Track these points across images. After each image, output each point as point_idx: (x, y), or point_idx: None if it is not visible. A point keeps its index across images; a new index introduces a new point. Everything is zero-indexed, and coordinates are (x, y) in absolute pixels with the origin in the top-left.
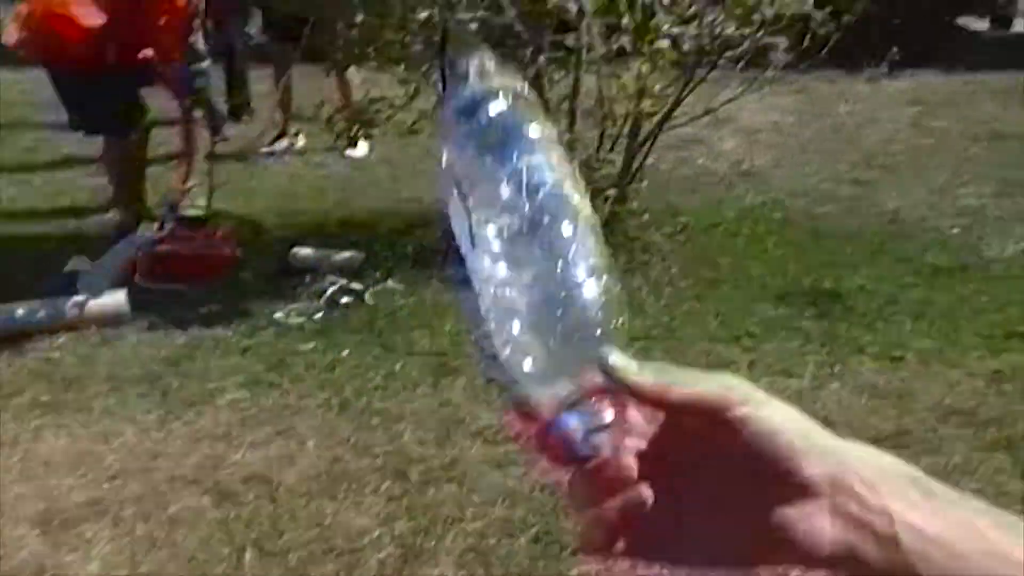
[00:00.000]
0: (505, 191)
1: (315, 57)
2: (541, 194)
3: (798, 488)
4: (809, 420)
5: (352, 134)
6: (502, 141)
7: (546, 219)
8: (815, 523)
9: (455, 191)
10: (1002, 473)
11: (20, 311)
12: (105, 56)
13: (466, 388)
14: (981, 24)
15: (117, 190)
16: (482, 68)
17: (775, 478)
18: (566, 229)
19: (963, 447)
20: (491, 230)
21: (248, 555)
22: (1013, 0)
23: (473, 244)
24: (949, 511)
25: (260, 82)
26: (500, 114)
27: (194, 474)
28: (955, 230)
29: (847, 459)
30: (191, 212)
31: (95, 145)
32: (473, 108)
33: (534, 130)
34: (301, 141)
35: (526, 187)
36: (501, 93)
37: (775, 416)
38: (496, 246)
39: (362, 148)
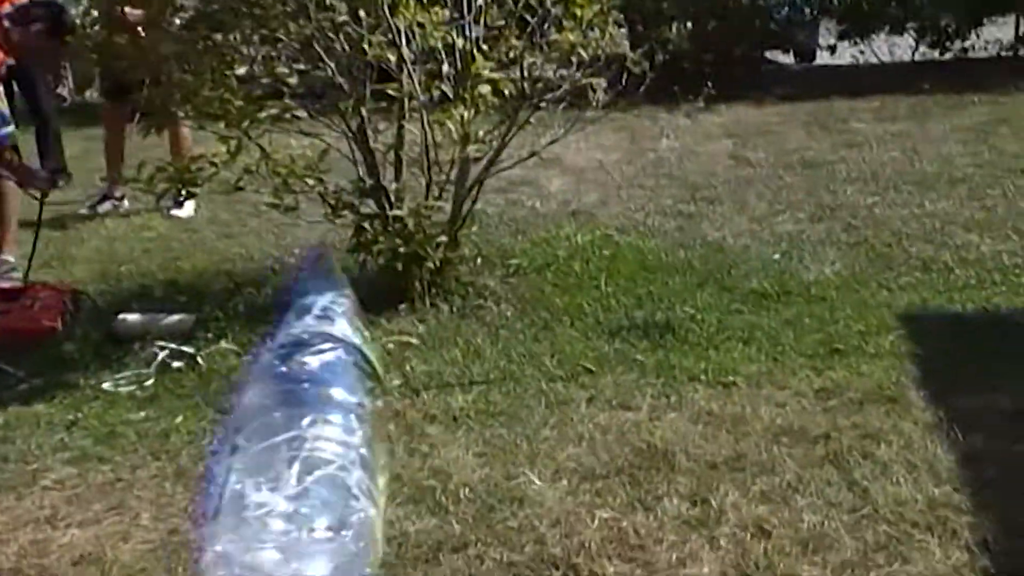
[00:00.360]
0: (279, 458)
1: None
2: (315, 476)
3: None
4: None
5: (176, 194)
6: (302, 398)
7: (304, 509)
8: None
9: (226, 439)
10: (831, 486)
11: None
12: None
13: None
14: (788, 58)
15: None
16: (327, 309)
17: None
18: (321, 532)
19: (794, 465)
20: (249, 494)
21: None
22: (813, 35)
23: (219, 508)
24: None
25: (74, 143)
26: (317, 366)
27: (15, 563)
28: (776, 256)
29: None
30: (6, 283)
31: None
32: (296, 348)
33: (343, 394)
34: (126, 203)
35: (302, 460)
36: (331, 345)
37: None
38: (247, 518)
39: (188, 208)
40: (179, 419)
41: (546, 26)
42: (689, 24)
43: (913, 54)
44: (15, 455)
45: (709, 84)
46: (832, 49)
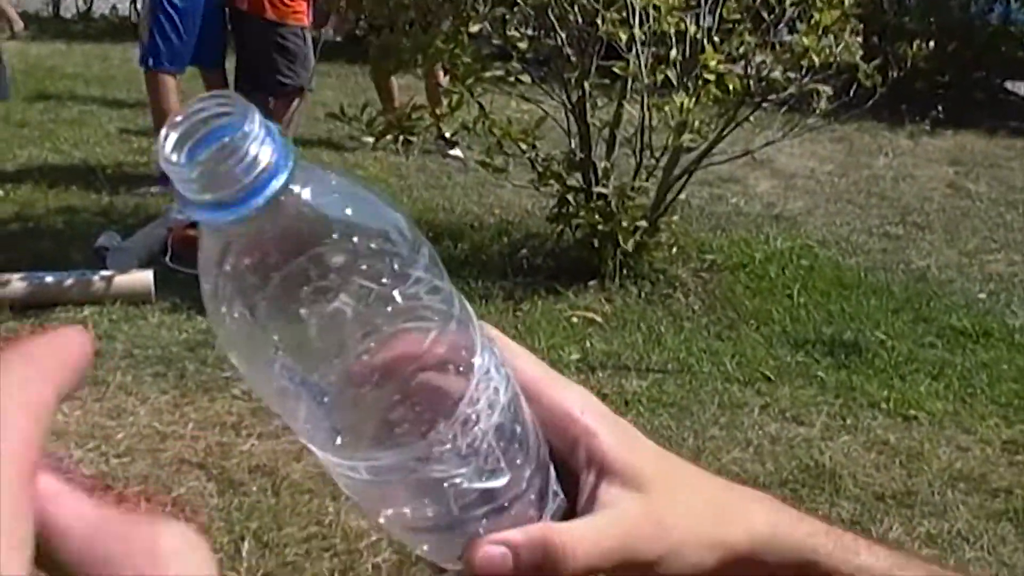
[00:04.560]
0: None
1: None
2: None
3: None
4: None
5: (394, 140)
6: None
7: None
8: None
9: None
10: (1006, 544)
11: (49, 279)
12: None
13: None
14: None
15: None
16: None
17: None
18: None
19: (968, 514)
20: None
21: (246, 545)
22: None
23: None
24: None
25: None
26: None
27: (201, 459)
28: (982, 295)
29: None
30: None
31: (138, 118)
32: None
33: None
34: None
35: None
36: None
37: None
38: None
39: (456, 150)
40: None
41: (780, 26)
42: (931, 43)
43: None
44: (212, 360)
45: (939, 108)
46: None
